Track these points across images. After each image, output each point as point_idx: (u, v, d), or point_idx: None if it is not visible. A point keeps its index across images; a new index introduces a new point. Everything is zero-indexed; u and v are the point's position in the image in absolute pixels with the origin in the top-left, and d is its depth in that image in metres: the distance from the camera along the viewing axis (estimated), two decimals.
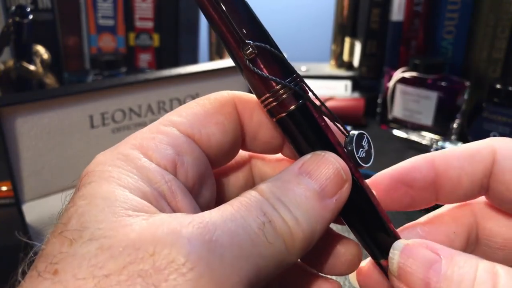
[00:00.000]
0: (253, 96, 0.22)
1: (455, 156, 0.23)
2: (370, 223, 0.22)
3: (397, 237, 0.22)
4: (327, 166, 0.20)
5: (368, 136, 0.23)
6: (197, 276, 0.15)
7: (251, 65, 0.20)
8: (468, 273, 0.18)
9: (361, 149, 0.22)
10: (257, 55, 0.20)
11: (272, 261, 0.17)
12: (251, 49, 0.20)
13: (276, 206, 0.18)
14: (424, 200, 0.24)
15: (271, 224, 0.17)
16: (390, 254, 0.21)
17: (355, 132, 0.22)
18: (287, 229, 0.18)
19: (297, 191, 0.19)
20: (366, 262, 0.24)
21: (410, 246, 0.20)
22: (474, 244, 0.24)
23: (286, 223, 0.18)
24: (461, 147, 0.23)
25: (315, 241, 0.19)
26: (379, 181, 0.24)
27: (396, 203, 0.23)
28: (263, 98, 0.21)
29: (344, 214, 0.22)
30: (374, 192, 0.23)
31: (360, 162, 0.22)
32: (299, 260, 0.23)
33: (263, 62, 0.21)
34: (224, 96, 0.22)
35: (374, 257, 0.23)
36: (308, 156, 0.21)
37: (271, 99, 0.21)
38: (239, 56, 0.20)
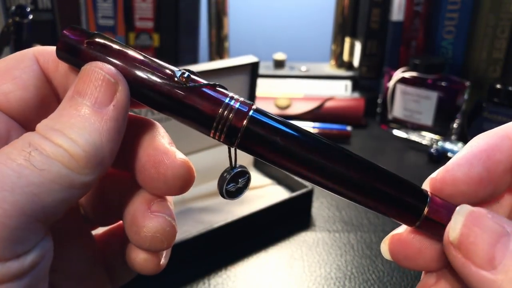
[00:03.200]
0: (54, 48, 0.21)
1: None
2: (385, 185, 0.20)
3: (424, 192, 0.20)
4: (92, 77, 0.19)
5: (250, 178, 0.22)
6: None
7: (192, 92, 0.20)
8: None
9: (233, 184, 0.22)
10: (192, 77, 0.20)
11: (54, 185, 0.17)
12: (187, 73, 0.20)
13: (48, 135, 0.18)
14: (501, 187, 0.20)
15: (39, 152, 0.17)
16: (453, 219, 0.19)
17: (239, 169, 0.22)
18: (61, 152, 0.17)
19: (71, 113, 0.18)
20: (399, 231, 0.22)
21: (477, 213, 0.18)
22: None
23: (60, 146, 0.17)
24: None
25: (109, 153, 0.19)
26: (455, 171, 0.20)
27: (473, 197, 0.20)
28: (217, 119, 0.20)
29: (359, 190, 0.20)
30: (451, 186, 0.20)
31: (224, 194, 0.22)
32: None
33: (198, 81, 0.20)
34: (22, 52, 0.21)
35: (403, 223, 0.21)
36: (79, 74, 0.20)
37: (226, 116, 0.20)
38: (173, 91, 0.20)
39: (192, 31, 0.88)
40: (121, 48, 0.20)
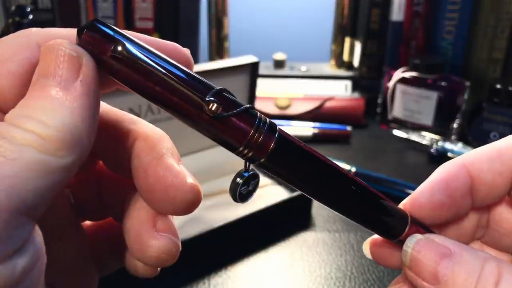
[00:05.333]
0: (60, 31, 0.20)
1: (485, 158, 0.23)
2: (367, 210, 0.23)
3: (402, 213, 0.23)
4: (53, 55, 0.18)
5: (259, 180, 0.23)
6: None
7: (221, 121, 0.19)
8: (473, 272, 0.20)
9: (245, 187, 0.22)
10: (222, 107, 0.19)
11: (30, 173, 0.16)
12: (216, 104, 0.19)
13: (16, 122, 0.17)
14: (463, 208, 0.24)
15: (7, 140, 0.16)
16: (404, 247, 0.22)
17: (252, 172, 0.22)
18: (32, 136, 0.16)
19: (37, 96, 0.17)
20: (375, 236, 0.25)
21: (424, 241, 0.22)
22: (484, 227, 0.25)
23: (31, 131, 0.16)
24: (489, 147, 0.23)
25: (86, 132, 0.18)
26: (420, 198, 0.23)
27: (438, 218, 0.24)
28: (241, 147, 0.20)
29: (338, 207, 0.22)
30: (418, 210, 0.23)
31: (237, 197, 0.22)
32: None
33: (229, 111, 0.19)
34: (22, 39, 0.19)
35: (387, 239, 0.24)
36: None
37: (253, 140, 0.19)
38: (202, 118, 0.19)
39: (192, 31, 0.88)
40: (147, 64, 0.18)
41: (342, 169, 0.22)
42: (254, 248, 0.52)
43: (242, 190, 0.22)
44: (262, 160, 0.20)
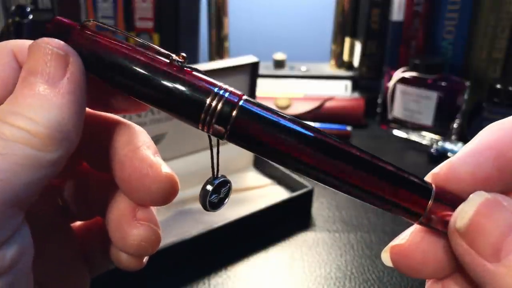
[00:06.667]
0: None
1: None
2: (368, 179, 0.19)
3: (428, 185, 0.19)
4: (40, 53, 0.19)
5: (231, 188, 0.22)
6: None
7: (189, 73, 0.20)
8: None
9: (216, 195, 0.22)
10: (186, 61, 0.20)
11: (20, 168, 0.17)
12: (182, 54, 0.20)
13: (5, 118, 0.17)
14: (510, 184, 0.18)
15: None
16: (464, 206, 0.17)
17: (221, 179, 0.21)
18: (22, 133, 0.17)
19: (25, 94, 0.18)
20: (399, 242, 0.20)
21: (492, 202, 0.17)
22: None
23: (20, 127, 0.17)
24: None
25: (74, 128, 0.18)
26: (459, 168, 0.18)
27: None
28: (205, 110, 0.19)
29: (354, 183, 0.19)
30: (454, 183, 0.18)
31: (208, 206, 0.21)
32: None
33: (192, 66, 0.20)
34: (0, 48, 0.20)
35: (407, 218, 0.19)
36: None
37: (215, 104, 0.19)
38: (170, 71, 0.19)
39: (192, 31, 0.88)
40: (115, 27, 0.20)
41: (327, 134, 0.19)
42: (254, 248, 0.52)
43: (212, 198, 0.21)
44: (227, 132, 0.19)
